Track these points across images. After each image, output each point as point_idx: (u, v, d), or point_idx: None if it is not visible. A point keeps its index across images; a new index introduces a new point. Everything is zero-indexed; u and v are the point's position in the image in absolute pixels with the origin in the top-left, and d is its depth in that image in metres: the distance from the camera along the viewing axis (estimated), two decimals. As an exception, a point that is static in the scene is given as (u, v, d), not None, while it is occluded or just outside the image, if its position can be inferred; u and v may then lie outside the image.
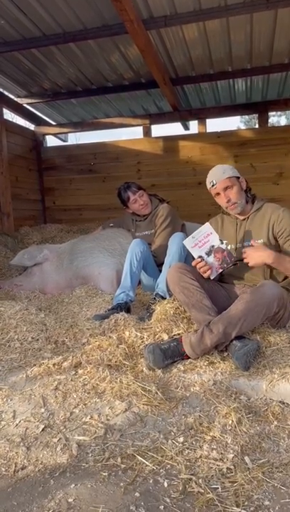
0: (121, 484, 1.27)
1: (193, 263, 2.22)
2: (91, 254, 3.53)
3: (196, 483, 1.25)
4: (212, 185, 2.35)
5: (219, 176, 2.34)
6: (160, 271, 2.87)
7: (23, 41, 4.18)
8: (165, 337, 2.17)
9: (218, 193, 2.37)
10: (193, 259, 2.24)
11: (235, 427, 1.50)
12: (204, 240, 2.17)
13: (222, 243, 2.18)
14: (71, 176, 6.31)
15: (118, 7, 3.15)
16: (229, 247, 2.23)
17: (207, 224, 2.21)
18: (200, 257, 2.19)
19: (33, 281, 3.56)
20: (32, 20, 3.85)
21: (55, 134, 6.68)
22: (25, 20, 3.84)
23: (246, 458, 1.35)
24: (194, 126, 6.28)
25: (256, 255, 2.17)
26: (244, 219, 2.40)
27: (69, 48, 4.36)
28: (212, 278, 2.23)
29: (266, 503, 1.18)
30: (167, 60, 4.69)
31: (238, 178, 2.39)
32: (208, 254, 2.18)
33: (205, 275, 2.21)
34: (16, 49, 4.29)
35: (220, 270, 2.23)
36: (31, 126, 6.43)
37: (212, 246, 2.18)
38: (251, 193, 2.45)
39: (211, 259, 2.19)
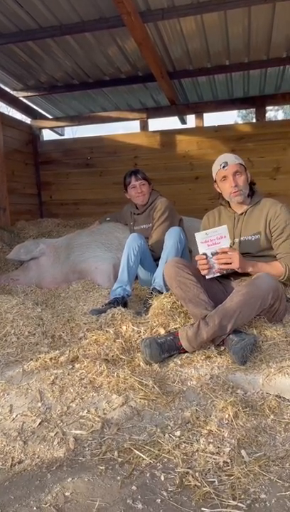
0: (118, 478, 1.27)
1: (196, 257, 2.21)
2: (88, 248, 3.52)
3: (193, 477, 1.25)
4: (224, 167, 2.31)
5: (232, 159, 2.33)
6: (158, 265, 2.87)
7: (19, 33, 4.15)
8: (162, 331, 2.17)
9: (225, 177, 2.33)
10: (191, 252, 2.22)
11: (232, 420, 1.50)
12: (215, 241, 2.15)
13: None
14: (68, 170, 6.28)
15: (115, -1, 3.13)
16: None
17: (225, 226, 2.18)
18: (204, 254, 2.18)
19: (30, 276, 3.55)
20: (28, 13, 3.81)
21: (51, 128, 6.64)
22: (22, 13, 3.81)
23: (242, 451, 1.36)
24: (191, 121, 6.28)
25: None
26: (241, 213, 2.40)
27: (66, 40, 4.33)
28: (207, 278, 2.22)
29: (263, 496, 1.19)
30: (164, 54, 4.66)
31: (245, 169, 2.39)
32: (213, 254, 2.17)
33: (203, 272, 2.20)
34: (12, 41, 4.26)
35: (217, 274, 2.21)
36: (27, 120, 6.38)
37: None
38: (254, 188, 2.43)
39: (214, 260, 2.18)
